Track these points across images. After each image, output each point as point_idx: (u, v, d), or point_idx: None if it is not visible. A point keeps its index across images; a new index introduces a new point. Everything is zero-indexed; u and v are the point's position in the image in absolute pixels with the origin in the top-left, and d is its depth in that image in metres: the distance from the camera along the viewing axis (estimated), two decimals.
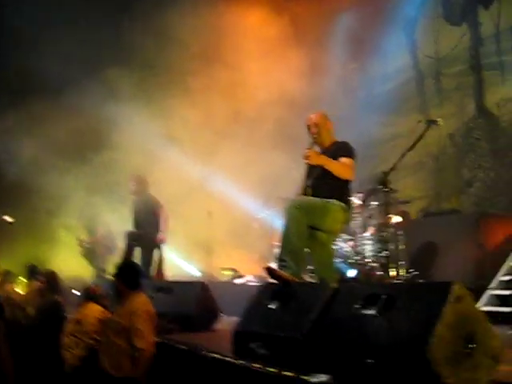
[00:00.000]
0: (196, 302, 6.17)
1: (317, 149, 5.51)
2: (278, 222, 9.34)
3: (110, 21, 12.16)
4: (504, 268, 7.19)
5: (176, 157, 11.40)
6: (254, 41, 11.59)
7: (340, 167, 5.18)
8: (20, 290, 9.66)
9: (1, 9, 11.14)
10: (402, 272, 7.47)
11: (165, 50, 11.53)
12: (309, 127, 5.56)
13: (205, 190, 11.51)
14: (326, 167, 5.18)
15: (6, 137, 11.34)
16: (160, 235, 8.63)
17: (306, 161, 5.30)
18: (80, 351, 5.60)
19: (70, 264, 10.88)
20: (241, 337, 4.23)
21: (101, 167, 11.78)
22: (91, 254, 11.51)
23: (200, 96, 11.47)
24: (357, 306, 3.47)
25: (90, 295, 6.09)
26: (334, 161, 5.20)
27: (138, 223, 8.72)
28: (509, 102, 9.91)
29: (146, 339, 4.87)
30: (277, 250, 6.86)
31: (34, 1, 11.29)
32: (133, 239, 8.48)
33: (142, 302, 5.15)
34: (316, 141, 5.50)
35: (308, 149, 5.33)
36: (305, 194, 5.35)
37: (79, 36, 11.49)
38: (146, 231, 8.56)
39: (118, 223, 10.79)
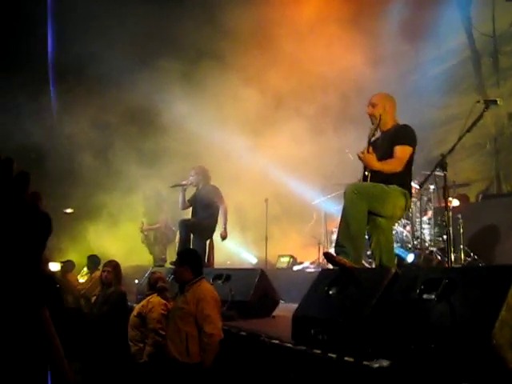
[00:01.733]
0: (254, 289, 6.22)
1: (376, 133, 5.44)
2: (335, 208, 9.33)
3: (160, 12, 12.26)
4: None
5: (232, 143, 11.48)
6: (308, 25, 11.56)
7: (390, 167, 5.11)
8: (83, 279, 9.92)
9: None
10: (462, 256, 7.37)
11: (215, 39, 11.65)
12: (367, 107, 5.50)
13: (261, 176, 11.55)
14: (376, 169, 5.14)
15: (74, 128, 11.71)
16: (222, 232, 8.70)
17: (360, 160, 5.27)
18: (148, 348, 5.72)
19: (129, 252, 11.11)
20: (300, 323, 4.26)
21: (159, 154, 12.01)
22: (152, 241, 11.71)
23: (255, 81, 11.51)
24: (417, 291, 3.45)
25: (154, 286, 6.19)
26: (385, 162, 5.13)
27: (195, 213, 8.81)
28: None
29: (216, 325, 4.96)
30: (335, 236, 6.87)
31: None
32: (187, 227, 8.57)
33: (208, 288, 5.24)
34: (375, 122, 5.44)
35: (363, 150, 5.27)
36: (364, 179, 5.30)
37: (130, 26, 11.60)
38: (200, 219, 8.63)
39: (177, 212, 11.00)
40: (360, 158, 5.22)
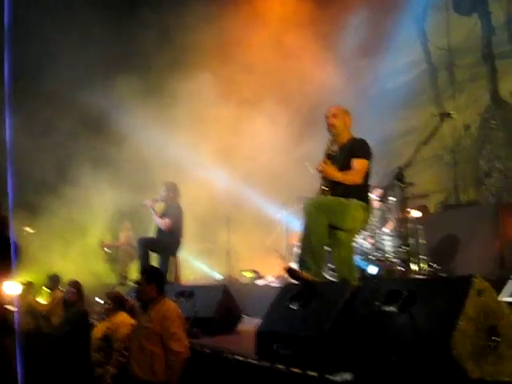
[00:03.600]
0: (218, 305, 6.19)
1: (335, 146, 5.50)
2: (296, 222, 9.35)
3: (121, 29, 12.23)
4: None
5: (192, 156, 11.47)
6: (268, 39, 11.67)
7: (351, 177, 5.19)
8: (43, 300, 9.73)
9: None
10: (424, 266, 7.45)
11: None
12: (327, 118, 5.55)
13: (222, 192, 11.55)
14: (338, 180, 5.21)
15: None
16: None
17: (320, 174, 5.34)
18: (112, 369, 5.61)
19: (89, 270, 10.96)
20: (264, 338, 4.25)
21: (122, 172, 11.92)
22: (114, 259, 11.58)
23: (213, 96, 11.53)
24: (378, 303, 3.47)
25: (120, 303, 6.11)
26: (346, 173, 5.21)
27: (159, 229, 8.75)
28: None
29: (182, 342, 4.92)
30: (297, 250, 6.88)
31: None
32: (145, 246, 8.51)
33: (172, 306, 5.20)
34: (332, 133, 5.49)
35: (323, 162, 5.34)
36: (323, 193, 5.35)
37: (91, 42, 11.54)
38: (163, 237, 8.58)
39: (139, 229, 10.88)
40: (320, 170, 5.28)
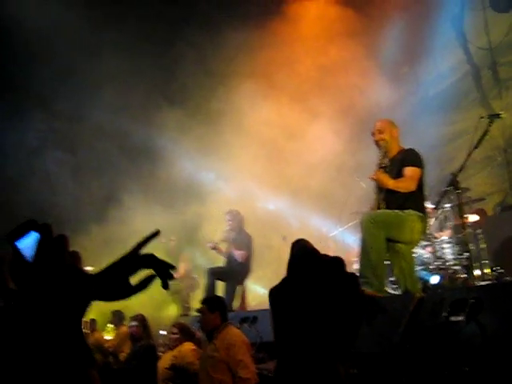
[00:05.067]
0: None
1: (386, 160, 5.48)
2: (351, 238, 9.28)
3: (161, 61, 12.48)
4: None
5: (240, 187, 11.55)
6: (314, 56, 11.71)
7: (404, 184, 5.16)
8: (109, 336, 9.87)
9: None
10: (487, 271, 7.28)
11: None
12: (373, 134, 5.54)
13: (277, 216, 11.57)
14: (391, 187, 5.19)
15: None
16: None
17: (374, 181, 5.34)
18: None
19: (151, 304, 11.07)
20: None
21: (175, 202, 12.08)
22: (175, 290, 11.66)
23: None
24: (444, 314, 3.42)
25: (187, 333, 6.15)
26: (399, 180, 5.18)
27: (230, 258, 8.74)
28: None
29: (250, 369, 4.92)
30: (355, 267, 6.82)
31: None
32: (214, 275, 8.55)
33: (237, 333, 5.21)
34: (381, 147, 5.47)
35: (376, 171, 5.34)
36: (378, 207, 5.31)
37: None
38: (233, 265, 8.60)
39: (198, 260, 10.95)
40: (373, 178, 5.27)
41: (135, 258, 1.96)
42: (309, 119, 11.41)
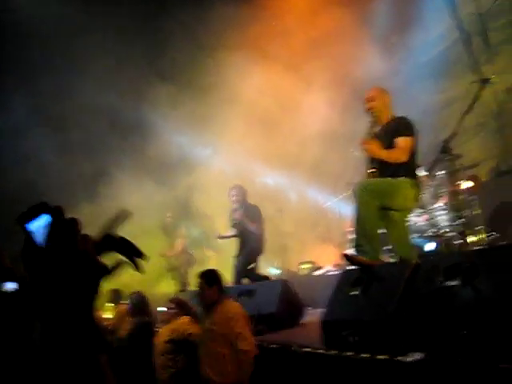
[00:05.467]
0: (279, 300, 6.21)
1: (377, 128, 5.46)
2: (347, 208, 9.30)
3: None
4: None
5: (234, 160, 11.53)
6: (302, 31, 11.64)
7: (395, 155, 5.14)
8: (108, 315, 9.89)
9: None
10: (482, 237, 7.32)
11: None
12: (365, 102, 5.52)
13: (272, 188, 11.58)
14: (383, 158, 5.17)
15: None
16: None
17: (365, 151, 5.31)
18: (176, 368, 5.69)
19: (149, 281, 11.07)
20: (329, 327, 4.24)
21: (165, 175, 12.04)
22: (173, 267, 11.68)
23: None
24: (440, 279, 3.43)
25: (183, 308, 6.16)
26: (390, 151, 5.16)
27: (244, 238, 8.67)
28: None
29: (249, 341, 4.95)
30: (351, 236, 6.84)
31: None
32: (240, 274, 8.35)
33: (235, 306, 5.24)
34: (373, 115, 5.46)
35: (366, 138, 5.32)
36: (371, 175, 5.31)
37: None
38: (251, 243, 8.52)
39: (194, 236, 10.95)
40: (365, 148, 5.26)
41: (105, 242, 1.95)
42: (302, 90, 11.38)
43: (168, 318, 6.35)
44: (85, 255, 1.94)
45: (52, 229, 1.84)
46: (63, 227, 1.85)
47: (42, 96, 11.49)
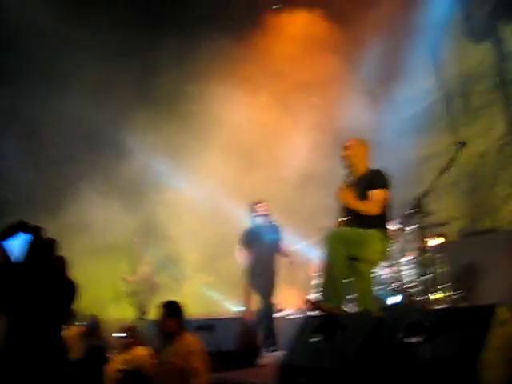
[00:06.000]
0: (238, 338, 6.16)
1: (352, 178, 5.51)
2: (314, 253, 9.31)
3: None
4: None
5: (208, 190, 11.54)
6: (289, 73, 11.77)
7: (367, 208, 5.18)
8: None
9: None
10: (446, 295, 7.36)
11: None
12: (344, 152, 5.57)
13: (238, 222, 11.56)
14: (354, 208, 5.21)
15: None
16: None
17: (338, 199, 5.36)
18: None
19: (106, 305, 10.91)
20: (286, 371, 4.20)
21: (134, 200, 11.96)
22: (134, 293, 11.52)
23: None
24: (401, 335, 3.43)
25: (140, 338, 6.09)
26: (363, 202, 5.20)
27: (264, 262, 8.53)
28: None
29: (203, 377, 4.89)
30: (315, 282, 6.84)
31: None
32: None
33: (195, 340, 5.18)
34: (348, 165, 5.51)
35: (341, 187, 5.37)
36: (343, 223, 5.34)
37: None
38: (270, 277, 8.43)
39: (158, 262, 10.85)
40: (339, 196, 5.29)
41: None
42: (285, 129, 11.48)
43: (123, 346, 6.26)
44: (60, 275, 1.94)
45: (31, 247, 1.85)
46: (42, 246, 1.86)
47: (15, 105, 11.44)
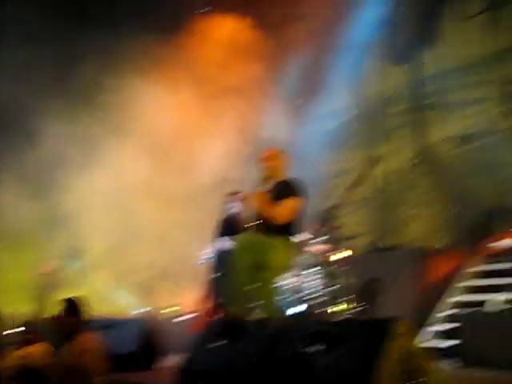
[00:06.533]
0: (139, 340, 6.05)
1: (267, 185, 5.52)
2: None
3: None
4: (445, 302, 7.40)
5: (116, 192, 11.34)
6: (212, 78, 11.73)
7: (280, 215, 5.20)
8: None
9: None
10: (349, 307, 7.50)
11: None
12: (262, 162, 5.57)
13: (149, 225, 11.41)
14: (266, 215, 5.21)
15: None
16: None
17: (252, 203, 5.34)
18: None
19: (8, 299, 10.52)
20: (186, 375, 4.15)
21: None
22: (37, 288, 11.16)
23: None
24: (302, 343, 3.45)
25: (39, 334, 5.89)
26: (275, 210, 5.22)
27: None
28: (449, 140, 10.21)
29: (103, 377, 4.77)
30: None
31: None
32: None
33: (93, 340, 5.05)
34: (267, 175, 5.52)
35: (256, 191, 5.35)
36: (252, 229, 5.33)
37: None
38: None
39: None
40: (253, 202, 5.28)
41: None
42: (202, 134, 11.44)
43: (20, 342, 6.04)
44: None
45: None
46: None
47: None
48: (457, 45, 10.24)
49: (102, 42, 11.66)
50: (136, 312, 11.35)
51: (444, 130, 10.39)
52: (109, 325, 6.38)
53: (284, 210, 5.20)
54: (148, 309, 10.59)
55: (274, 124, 10.90)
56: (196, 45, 12.10)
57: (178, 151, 11.54)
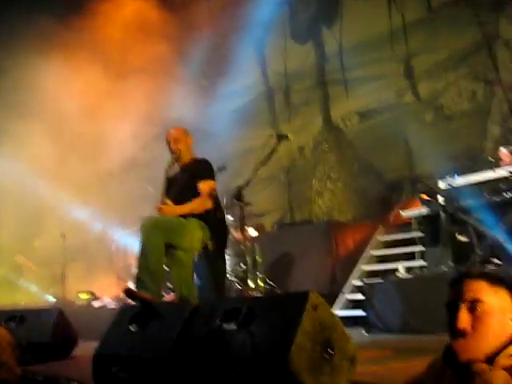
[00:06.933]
0: (52, 330, 5.90)
1: (176, 166, 5.50)
2: (134, 242, 9.20)
3: None
4: (354, 273, 7.65)
5: (23, 179, 10.95)
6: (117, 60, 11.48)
7: (200, 206, 5.20)
8: None
9: None
10: (261, 284, 7.62)
11: None
12: (168, 143, 5.53)
13: (57, 211, 11.11)
14: (187, 213, 5.19)
15: None
16: None
17: (159, 212, 5.29)
18: None
19: None
20: (101, 361, 4.10)
21: None
22: None
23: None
24: (218, 322, 3.49)
25: None
26: (194, 202, 5.21)
27: None
28: (353, 115, 10.48)
29: (12, 371, 4.61)
30: (135, 270, 6.75)
31: None
32: None
33: (2, 333, 4.87)
34: (175, 157, 5.48)
35: (159, 206, 5.29)
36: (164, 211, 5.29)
37: None
38: None
39: None
40: (160, 210, 5.22)
41: None
42: (109, 117, 11.19)
43: None
44: None
45: None
46: None
47: None
48: (359, 21, 10.49)
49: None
50: (48, 300, 11.08)
51: (348, 106, 10.65)
52: (19, 316, 6.18)
53: (202, 198, 5.19)
54: (61, 296, 10.35)
55: (182, 104, 10.81)
56: (100, 26, 11.77)
57: (85, 135, 11.26)
